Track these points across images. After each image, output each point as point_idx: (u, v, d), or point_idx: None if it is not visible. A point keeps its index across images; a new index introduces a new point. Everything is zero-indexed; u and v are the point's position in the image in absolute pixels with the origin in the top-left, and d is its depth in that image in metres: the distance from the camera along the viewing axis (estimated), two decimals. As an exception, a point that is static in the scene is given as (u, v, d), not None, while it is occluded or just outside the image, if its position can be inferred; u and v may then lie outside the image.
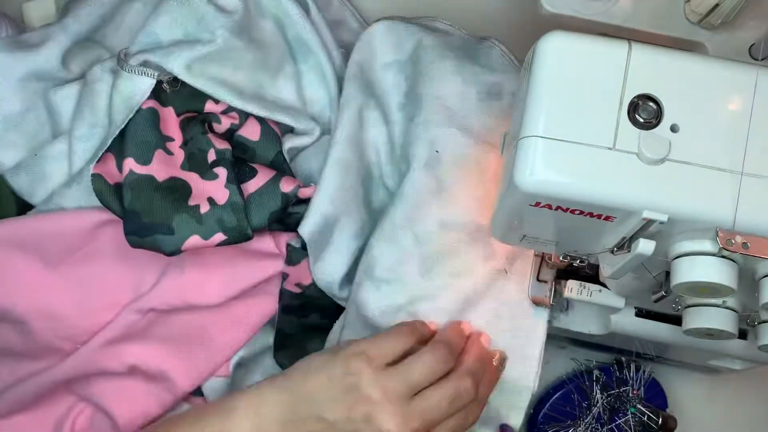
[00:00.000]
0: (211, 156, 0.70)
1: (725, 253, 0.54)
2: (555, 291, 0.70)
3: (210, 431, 0.61)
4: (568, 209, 0.55)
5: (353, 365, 0.61)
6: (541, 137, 0.53)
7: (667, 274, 0.57)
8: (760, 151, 0.53)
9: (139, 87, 0.70)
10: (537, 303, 0.70)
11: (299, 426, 0.61)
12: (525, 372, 0.69)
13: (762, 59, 0.64)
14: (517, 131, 0.56)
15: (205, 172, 0.70)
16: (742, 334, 0.69)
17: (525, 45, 0.58)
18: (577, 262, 0.65)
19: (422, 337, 0.66)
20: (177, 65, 0.69)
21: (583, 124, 0.53)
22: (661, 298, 0.62)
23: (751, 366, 0.77)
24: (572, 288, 0.70)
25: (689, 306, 0.61)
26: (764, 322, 0.60)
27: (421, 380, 0.62)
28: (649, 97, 0.54)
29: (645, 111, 0.53)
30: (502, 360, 0.68)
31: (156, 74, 0.70)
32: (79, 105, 0.73)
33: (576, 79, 0.54)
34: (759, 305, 0.56)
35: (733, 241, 0.53)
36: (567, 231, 0.59)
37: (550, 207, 0.55)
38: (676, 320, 0.70)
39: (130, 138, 0.69)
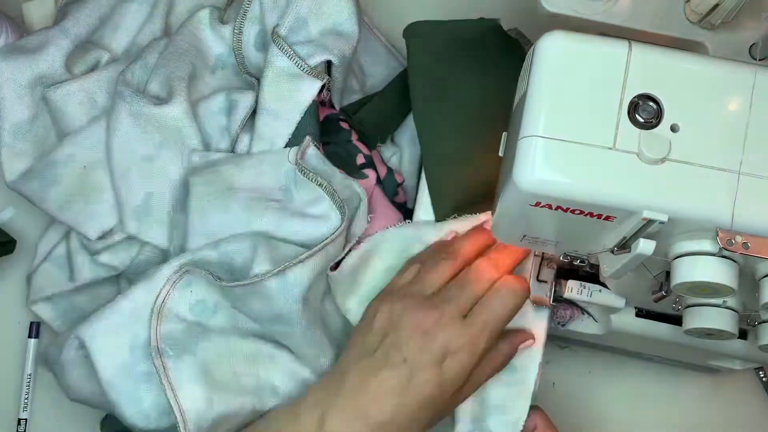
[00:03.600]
0: (360, 159, 0.75)
1: (725, 253, 0.54)
2: (555, 291, 0.70)
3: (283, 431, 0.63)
4: (568, 209, 0.55)
5: (373, 305, 0.66)
6: (541, 137, 0.53)
7: (667, 274, 0.57)
8: (760, 150, 0.53)
9: (310, 87, 0.72)
10: (537, 303, 0.70)
11: (352, 384, 0.62)
12: (524, 377, 0.69)
13: (762, 59, 0.64)
14: (516, 131, 0.55)
15: (355, 172, 0.74)
16: (742, 334, 0.69)
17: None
18: (577, 262, 0.65)
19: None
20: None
21: (583, 123, 0.53)
22: (661, 298, 0.62)
23: (751, 366, 0.77)
24: (572, 288, 0.70)
25: (689, 306, 0.61)
26: (764, 322, 0.60)
27: (433, 282, 0.65)
28: (649, 97, 0.54)
29: (645, 111, 0.53)
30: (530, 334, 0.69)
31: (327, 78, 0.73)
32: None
33: (576, 78, 0.54)
34: (759, 305, 0.56)
35: (733, 241, 0.53)
36: (567, 231, 0.59)
37: (550, 207, 0.55)
38: (676, 320, 0.70)
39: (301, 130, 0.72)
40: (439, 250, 0.68)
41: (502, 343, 0.66)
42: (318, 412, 0.62)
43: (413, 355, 0.62)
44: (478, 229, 0.69)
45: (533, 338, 0.69)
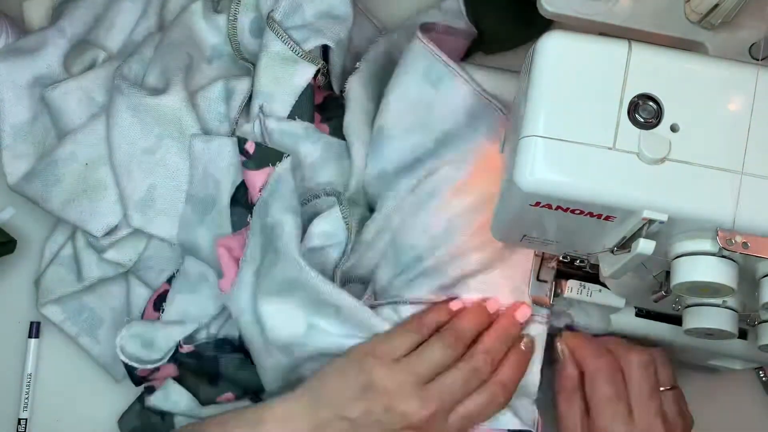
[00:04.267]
0: None
1: (725, 252, 0.54)
2: (555, 291, 0.70)
3: None
4: (568, 209, 0.55)
5: (365, 365, 0.64)
6: (541, 137, 0.53)
7: (667, 273, 0.57)
8: (760, 150, 0.53)
9: (305, 72, 0.72)
10: (537, 303, 0.70)
11: (326, 430, 0.63)
12: (526, 381, 0.69)
13: (762, 59, 0.64)
14: (517, 131, 0.55)
15: None
16: (742, 334, 0.69)
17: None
18: (577, 261, 0.65)
19: (432, 328, 0.67)
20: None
21: (583, 123, 0.53)
22: (661, 298, 0.62)
23: (751, 366, 0.77)
24: (572, 288, 0.70)
25: (689, 306, 0.61)
26: (764, 321, 0.60)
27: (431, 366, 0.64)
28: (649, 97, 0.54)
29: (645, 111, 0.53)
30: (531, 343, 0.68)
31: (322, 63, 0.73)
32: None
33: (576, 78, 0.54)
34: (759, 305, 0.56)
35: (733, 241, 0.53)
36: (567, 231, 0.59)
37: (550, 207, 0.55)
38: (676, 320, 0.70)
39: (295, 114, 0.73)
40: (445, 333, 0.66)
41: None
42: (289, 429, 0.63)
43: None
44: (479, 308, 0.68)
45: None
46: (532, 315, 0.69)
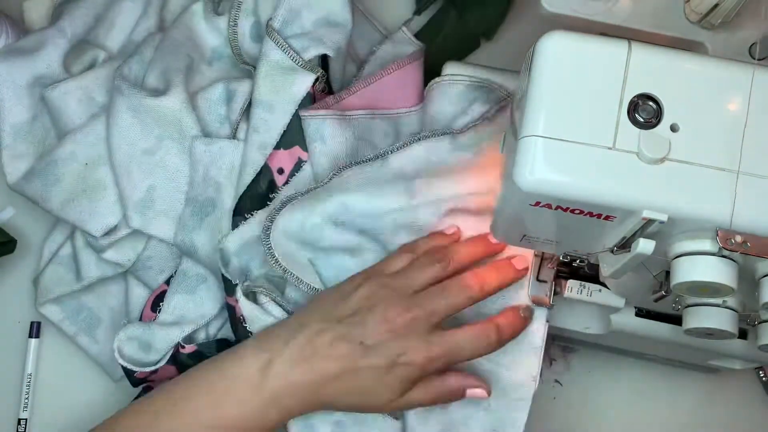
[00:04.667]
0: None
1: (725, 252, 0.54)
2: (555, 291, 0.70)
3: (222, 373, 0.64)
4: (568, 209, 0.55)
5: (356, 279, 0.66)
6: (541, 137, 0.53)
7: (667, 273, 0.57)
8: (759, 150, 0.53)
9: (304, 81, 0.72)
10: (537, 303, 0.70)
11: (307, 336, 0.64)
12: (526, 372, 0.69)
13: (761, 59, 0.64)
14: (517, 131, 0.56)
15: None
16: (742, 334, 0.69)
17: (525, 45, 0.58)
18: (577, 261, 0.65)
19: (426, 251, 0.68)
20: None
21: (583, 123, 0.53)
22: (661, 298, 0.62)
23: (751, 366, 0.77)
24: (572, 288, 0.70)
25: (689, 306, 0.61)
26: (764, 321, 0.60)
27: (419, 279, 0.65)
28: (649, 97, 0.54)
29: (645, 110, 0.53)
30: (530, 313, 0.68)
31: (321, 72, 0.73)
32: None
33: (576, 78, 0.54)
34: (759, 305, 0.56)
35: (733, 241, 0.53)
36: (567, 231, 0.59)
37: (550, 207, 0.55)
38: (676, 320, 0.70)
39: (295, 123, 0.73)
40: (436, 250, 0.67)
41: (452, 378, 0.66)
42: (265, 357, 0.63)
43: (372, 344, 0.63)
44: (480, 238, 0.69)
45: (488, 392, 0.67)
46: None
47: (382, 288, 0.65)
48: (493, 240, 0.68)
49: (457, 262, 0.67)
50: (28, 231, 0.80)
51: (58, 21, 0.76)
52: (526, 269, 0.68)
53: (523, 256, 0.68)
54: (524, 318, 0.67)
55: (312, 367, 0.63)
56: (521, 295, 0.69)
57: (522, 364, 0.69)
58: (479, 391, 0.67)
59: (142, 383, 0.74)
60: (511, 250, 0.69)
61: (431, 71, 0.77)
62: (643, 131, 0.53)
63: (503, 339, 0.65)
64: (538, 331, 0.69)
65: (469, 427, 0.69)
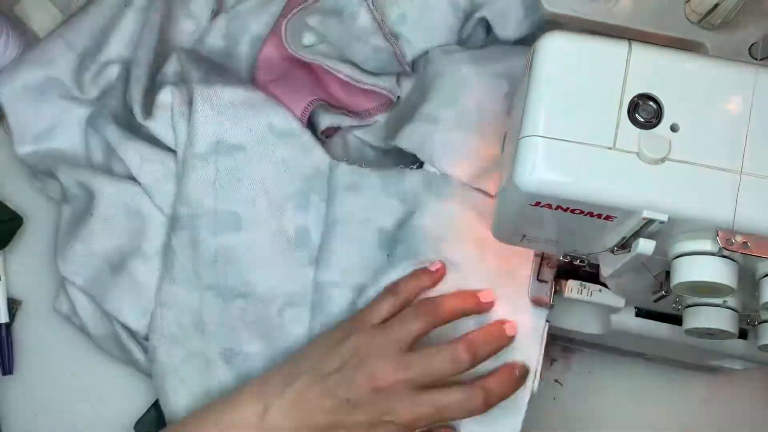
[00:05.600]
0: None
1: (725, 252, 0.54)
2: (555, 291, 0.70)
3: (217, 420, 0.65)
4: (568, 209, 0.55)
5: (344, 329, 0.66)
6: (542, 137, 0.53)
7: (668, 273, 0.57)
8: (760, 150, 0.53)
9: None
10: (537, 303, 0.70)
11: (298, 389, 0.64)
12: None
13: (762, 59, 0.64)
14: (517, 131, 0.55)
15: None
16: (743, 334, 0.69)
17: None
18: (577, 261, 0.65)
19: (411, 293, 0.68)
20: None
21: (584, 123, 0.53)
22: (662, 298, 0.62)
23: (751, 366, 0.77)
24: (572, 288, 0.70)
25: (689, 306, 0.61)
26: (764, 321, 0.60)
27: (404, 334, 0.64)
28: (649, 97, 0.54)
29: (645, 110, 0.53)
30: (524, 370, 0.67)
31: None
32: None
33: (576, 78, 0.54)
34: (759, 305, 0.56)
35: (733, 241, 0.53)
36: (567, 231, 0.59)
37: (550, 207, 0.55)
38: (676, 320, 0.70)
39: None
40: (422, 303, 0.66)
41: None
42: (261, 405, 0.64)
43: (358, 401, 0.63)
44: (469, 295, 0.68)
45: None
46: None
47: (369, 343, 0.64)
48: (483, 299, 0.67)
49: (445, 318, 0.66)
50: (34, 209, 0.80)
51: (66, 34, 0.77)
52: (514, 336, 0.67)
53: (512, 323, 0.67)
54: (518, 378, 0.66)
55: (303, 418, 0.63)
56: (520, 306, 0.69)
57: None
58: None
59: None
60: (499, 309, 0.68)
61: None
62: (643, 131, 0.53)
63: (490, 404, 0.64)
64: (539, 331, 0.69)
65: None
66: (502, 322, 0.67)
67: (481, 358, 0.65)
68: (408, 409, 0.63)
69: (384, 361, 0.63)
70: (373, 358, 0.63)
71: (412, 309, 0.66)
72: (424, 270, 0.68)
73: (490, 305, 0.68)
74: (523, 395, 0.68)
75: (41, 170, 0.77)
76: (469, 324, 0.67)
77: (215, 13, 0.79)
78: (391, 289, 0.68)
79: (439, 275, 0.68)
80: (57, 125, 0.77)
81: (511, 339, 0.67)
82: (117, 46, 0.78)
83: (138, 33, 0.78)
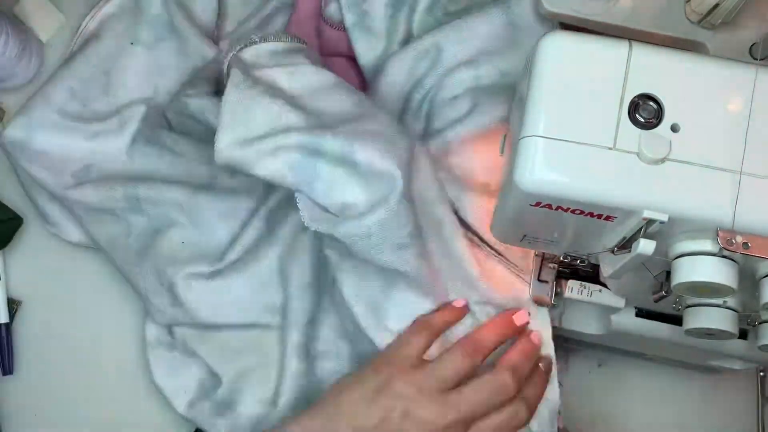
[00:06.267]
0: None
1: (726, 252, 0.54)
2: (556, 291, 0.70)
3: None
4: (568, 209, 0.54)
5: (381, 371, 0.62)
6: (542, 137, 0.53)
7: (668, 273, 0.57)
8: (760, 150, 0.53)
9: None
10: (538, 303, 0.70)
11: None
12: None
13: (762, 59, 0.64)
14: (517, 131, 0.55)
15: None
16: (743, 334, 0.69)
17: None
18: (578, 261, 0.65)
19: (441, 328, 0.66)
20: None
21: (584, 123, 0.53)
22: (662, 298, 0.62)
23: (751, 366, 0.77)
24: (572, 288, 0.70)
25: (690, 306, 0.61)
26: (765, 321, 0.60)
27: (451, 375, 0.62)
28: (649, 97, 0.54)
29: (645, 111, 0.53)
30: (549, 364, 0.68)
31: None
32: None
33: (576, 78, 0.54)
34: (759, 305, 0.56)
35: (733, 241, 0.53)
36: (567, 231, 0.59)
37: (550, 207, 0.55)
38: (676, 320, 0.70)
39: None
40: (464, 342, 0.64)
41: None
42: None
43: None
44: (506, 321, 0.67)
45: None
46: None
47: (412, 387, 0.62)
48: (519, 321, 0.67)
49: (487, 353, 0.64)
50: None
51: (63, 82, 0.75)
52: (541, 343, 0.68)
53: (536, 333, 0.67)
54: (548, 376, 0.67)
55: None
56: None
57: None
58: None
59: None
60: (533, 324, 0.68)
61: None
62: (643, 131, 0.53)
63: (533, 411, 0.65)
64: (543, 330, 0.69)
65: None
66: (528, 333, 0.67)
67: (523, 379, 0.64)
68: None
69: (433, 406, 0.61)
70: (419, 406, 0.61)
71: (458, 350, 0.64)
72: (451, 306, 0.67)
73: (526, 325, 0.67)
74: (554, 392, 0.68)
75: (95, 207, 0.75)
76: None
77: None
78: (424, 323, 0.65)
79: (465, 311, 0.67)
80: (93, 163, 0.75)
81: (539, 348, 0.67)
82: (132, 89, 0.76)
83: (152, 69, 0.77)
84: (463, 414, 0.62)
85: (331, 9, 0.77)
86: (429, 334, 0.65)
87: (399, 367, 0.63)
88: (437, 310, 0.67)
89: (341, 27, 0.76)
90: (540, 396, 0.66)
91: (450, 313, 0.66)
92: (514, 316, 0.67)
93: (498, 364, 0.64)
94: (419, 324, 0.66)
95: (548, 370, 0.67)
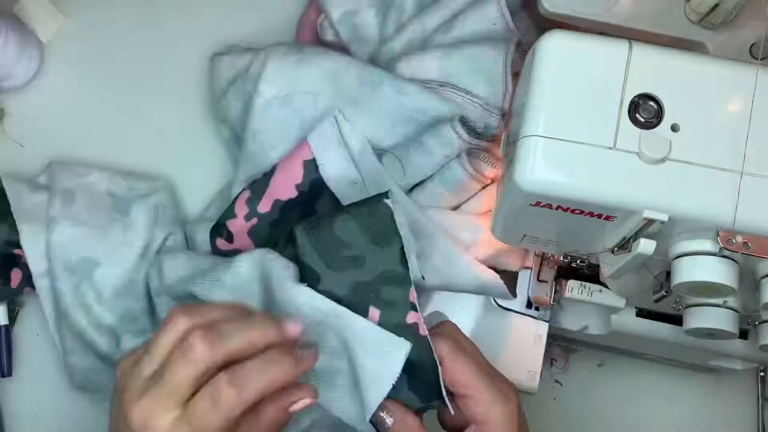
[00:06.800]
0: None
1: (726, 252, 0.54)
2: (555, 291, 0.70)
3: None
4: (568, 209, 0.54)
5: (121, 406, 0.54)
6: (542, 137, 0.53)
7: (668, 273, 0.57)
8: (760, 150, 0.53)
9: None
10: (537, 303, 0.70)
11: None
12: (527, 372, 0.69)
13: (762, 59, 0.64)
14: (517, 131, 0.55)
15: None
16: (743, 334, 0.69)
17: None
18: (578, 261, 0.65)
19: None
20: None
21: (584, 123, 0.53)
22: (662, 298, 0.62)
23: (751, 366, 0.77)
24: (572, 288, 0.70)
25: (690, 306, 0.61)
26: (765, 321, 0.60)
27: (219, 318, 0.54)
28: (649, 97, 0.54)
29: (645, 110, 0.53)
30: (313, 355, 0.56)
31: None
32: None
33: (576, 78, 0.54)
34: (759, 305, 0.56)
35: (733, 241, 0.53)
36: (567, 231, 0.59)
37: (550, 207, 0.55)
38: (676, 320, 0.70)
39: None
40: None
41: (267, 408, 0.55)
42: None
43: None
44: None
45: (311, 396, 0.56)
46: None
47: (140, 408, 0.53)
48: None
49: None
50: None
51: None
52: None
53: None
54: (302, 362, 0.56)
55: None
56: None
57: (524, 365, 0.69)
58: (304, 402, 0.56)
59: None
60: None
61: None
62: (643, 131, 0.53)
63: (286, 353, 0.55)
64: (540, 331, 0.69)
65: None
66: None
67: (222, 345, 0.53)
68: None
69: (199, 334, 0.52)
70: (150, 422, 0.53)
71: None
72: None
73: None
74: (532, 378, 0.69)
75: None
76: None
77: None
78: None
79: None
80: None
81: (264, 333, 0.55)
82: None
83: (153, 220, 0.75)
84: (199, 423, 0.52)
85: (328, 34, 0.77)
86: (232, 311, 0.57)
87: (129, 396, 0.54)
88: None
89: (341, 45, 0.77)
90: (258, 381, 0.53)
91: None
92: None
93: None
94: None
95: (303, 394, 0.56)
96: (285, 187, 0.69)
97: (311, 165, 0.69)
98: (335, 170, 0.68)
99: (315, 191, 0.69)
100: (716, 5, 0.61)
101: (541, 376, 0.69)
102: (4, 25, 0.77)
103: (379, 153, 0.70)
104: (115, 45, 0.83)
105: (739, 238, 0.53)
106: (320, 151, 0.68)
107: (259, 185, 0.70)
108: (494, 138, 0.68)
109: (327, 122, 0.69)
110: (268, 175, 0.70)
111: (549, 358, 0.82)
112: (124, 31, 0.84)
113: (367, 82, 0.69)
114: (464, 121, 0.66)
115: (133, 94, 0.81)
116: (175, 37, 0.81)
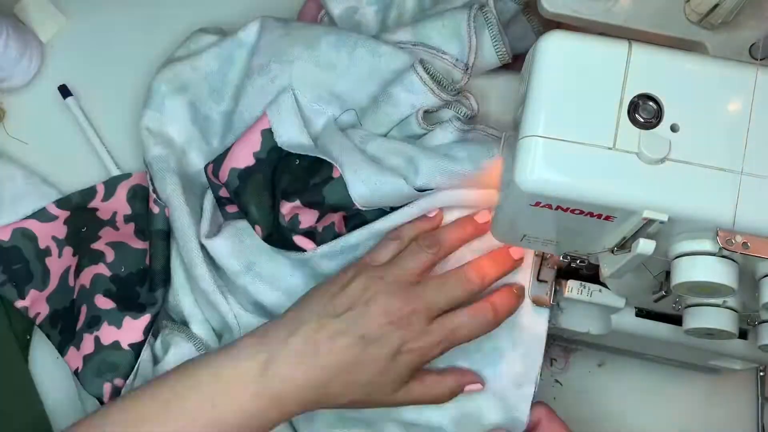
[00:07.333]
0: None
1: (725, 252, 0.54)
2: (555, 291, 0.70)
3: (215, 375, 0.63)
4: (568, 209, 0.55)
5: (348, 271, 0.66)
6: (542, 137, 0.53)
7: (668, 273, 0.57)
8: (760, 150, 0.53)
9: None
10: (537, 303, 0.70)
11: (305, 334, 0.63)
12: (526, 372, 0.69)
13: (762, 59, 0.64)
14: (517, 131, 0.55)
15: None
16: (743, 334, 0.69)
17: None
18: (578, 261, 0.65)
19: (411, 238, 0.68)
20: None
21: (584, 123, 0.53)
22: (662, 298, 0.62)
23: (751, 366, 0.77)
24: (572, 288, 0.70)
25: (689, 306, 0.61)
26: (764, 321, 0.60)
27: (412, 265, 0.65)
28: (649, 97, 0.54)
29: (645, 111, 0.53)
30: (522, 290, 0.69)
31: None
32: None
33: (576, 78, 0.54)
34: (759, 305, 0.56)
35: (733, 241, 0.53)
36: (567, 231, 0.59)
37: (550, 207, 0.55)
38: (676, 320, 0.70)
39: None
40: (424, 237, 0.67)
41: (450, 378, 0.67)
42: (263, 356, 0.63)
43: (373, 337, 0.63)
44: (467, 220, 0.68)
45: (482, 384, 0.69)
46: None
47: (377, 280, 0.64)
48: (480, 220, 0.68)
49: (448, 248, 0.67)
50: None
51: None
52: (522, 259, 0.69)
53: (519, 249, 0.69)
54: (517, 296, 0.68)
55: (314, 364, 0.62)
56: (522, 307, 0.70)
57: (523, 365, 0.69)
58: (476, 386, 0.68)
59: None
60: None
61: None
62: (643, 131, 0.53)
63: (500, 318, 0.66)
64: (539, 331, 0.69)
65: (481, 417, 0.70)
66: (507, 248, 0.68)
67: (489, 280, 0.66)
68: (421, 339, 0.63)
69: (395, 295, 0.64)
70: (383, 294, 0.63)
71: (417, 243, 0.66)
72: (423, 217, 0.69)
73: (487, 225, 0.67)
74: (531, 378, 0.69)
75: None
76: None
77: None
78: (393, 234, 0.68)
79: (438, 221, 0.69)
80: None
81: (517, 262, 0.68)
82: None
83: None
84: (426, 303, 0.64)
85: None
86: (398, 243, 0.67)
87: (364, 267, 0.65)
88: (409, 222, 0.68)
89: None
90: (508, 308, 0.67)
91: (423, 224, 0.68)
92: (476, 217, 0.68)
93: (465, 264, 0.66)
94: (389, 235, 0.68)
95: (520, 294, 0.68)
96: (244, 156, 0.71)
97: (268, 133, 0.71)
98: (290, 137, 0.71)
99: (272, 158, 0.71)
100: (716, 5, 0.61)
101: (541, 376, 0.69)
102: (4, 25, 0.77)
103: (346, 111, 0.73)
104: (115, 45, 0.84)
105: (739, 238, 0.53)
106: (277, 121, 0.71)
107: (220, 157, 0.73)
108: (458, 92, 0.71)
109: (285, 95, 0.72)
110: (230, 147, 0.73)
111: (549, 358, 0.82)
112: (124, 31, 0.84)
113: (343, 44, 0.71)
114: (425, 66, 0.68)
115: (133, 95, 0.81)
116: (175, 37, 0.81)
